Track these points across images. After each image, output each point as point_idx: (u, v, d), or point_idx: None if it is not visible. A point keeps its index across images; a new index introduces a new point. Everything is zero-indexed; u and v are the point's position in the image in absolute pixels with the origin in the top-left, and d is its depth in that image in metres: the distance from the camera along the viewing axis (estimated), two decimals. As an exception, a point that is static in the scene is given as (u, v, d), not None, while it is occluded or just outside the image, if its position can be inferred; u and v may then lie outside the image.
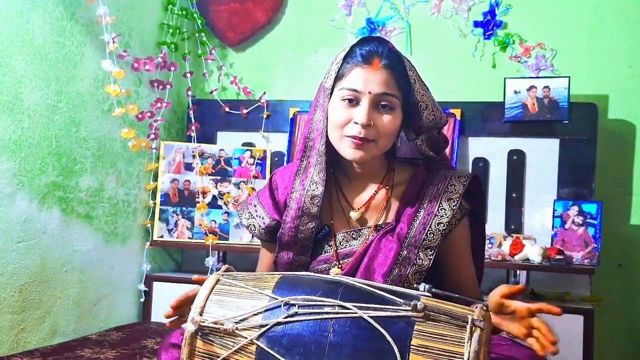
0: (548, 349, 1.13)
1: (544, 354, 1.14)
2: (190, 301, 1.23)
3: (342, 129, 1.38)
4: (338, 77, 1.40)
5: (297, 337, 1.12)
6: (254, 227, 1.53)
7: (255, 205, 1.55)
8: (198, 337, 1.16)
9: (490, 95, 2.73)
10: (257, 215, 1.53)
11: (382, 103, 1.38)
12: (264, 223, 1.52)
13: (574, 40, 2.72)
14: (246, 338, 1.13)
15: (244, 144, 2.95)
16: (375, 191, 1.47)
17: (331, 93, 1.41)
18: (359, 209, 1.47)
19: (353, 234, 1.46)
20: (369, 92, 1.36)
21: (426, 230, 1.39)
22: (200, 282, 1.25)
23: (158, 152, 2.80)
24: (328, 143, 1.42)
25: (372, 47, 1.39)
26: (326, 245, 1.47)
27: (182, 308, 1.32)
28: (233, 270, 1.28)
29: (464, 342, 1.05)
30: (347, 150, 1.39)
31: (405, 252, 1.39)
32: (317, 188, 1.44)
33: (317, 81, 1.49)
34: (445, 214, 1.40)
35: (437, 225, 1.40)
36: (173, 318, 1.34)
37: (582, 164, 2.57)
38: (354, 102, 1.37)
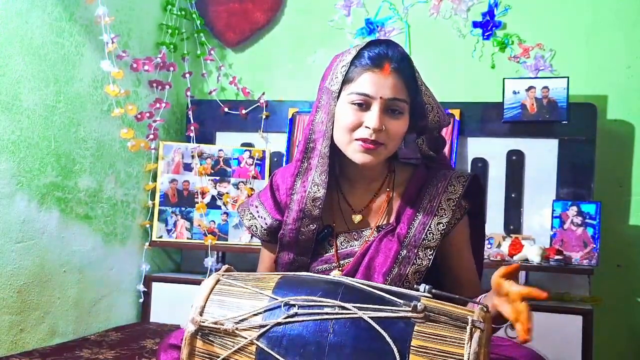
0: (521, 337, 1.10)
1: (522, 339, 1.11)
2: None
3: (351, 133, 1.36)
4: (346, 81, 1.38)
5: (297, 337, 1.12)
6: (256, 227, 1.53)
7: (256, 206, 1.54)
8: (198, 337, 1.16)
9: (489, 95, 2.73)
10: (258, 216, 1.53)
11: (392, 108, 1.36)
12: (265, 223, 1.51)
13: (573, 40, 2.72)
14: (246, 338, 1.13)
15: (243, 145, 2.95)
16: (376, 194, 1.47)
17: (338, 96, 1.39)
18: (360, 211, 1.47)
19: (354, 234, 1.46)
20: (380, 97, 1.34)
21: (426, 230, 1.40)
22: None
23: (157, 152, 2.80)
24: (332, 146, 1.41)
25: (382, 50, 1.37)
26: (327, 246, 1.47)
27: None
28: (233, 271, 1.28)
29: (463, 343, 1.05)
30: (356, 154, 1.37)
31: (405, 252, 1.39)
32: (318, 190, 1.43)
33: (316, 82, 1.48)
34: (445, 214, 1.40)
35: (437, 226, 1.40)
36: None
37: (581, 164, 2.57)
38: (364, 106, 1.36)
